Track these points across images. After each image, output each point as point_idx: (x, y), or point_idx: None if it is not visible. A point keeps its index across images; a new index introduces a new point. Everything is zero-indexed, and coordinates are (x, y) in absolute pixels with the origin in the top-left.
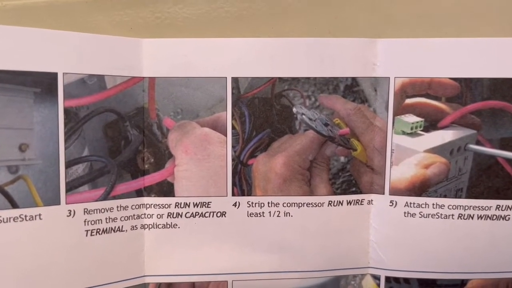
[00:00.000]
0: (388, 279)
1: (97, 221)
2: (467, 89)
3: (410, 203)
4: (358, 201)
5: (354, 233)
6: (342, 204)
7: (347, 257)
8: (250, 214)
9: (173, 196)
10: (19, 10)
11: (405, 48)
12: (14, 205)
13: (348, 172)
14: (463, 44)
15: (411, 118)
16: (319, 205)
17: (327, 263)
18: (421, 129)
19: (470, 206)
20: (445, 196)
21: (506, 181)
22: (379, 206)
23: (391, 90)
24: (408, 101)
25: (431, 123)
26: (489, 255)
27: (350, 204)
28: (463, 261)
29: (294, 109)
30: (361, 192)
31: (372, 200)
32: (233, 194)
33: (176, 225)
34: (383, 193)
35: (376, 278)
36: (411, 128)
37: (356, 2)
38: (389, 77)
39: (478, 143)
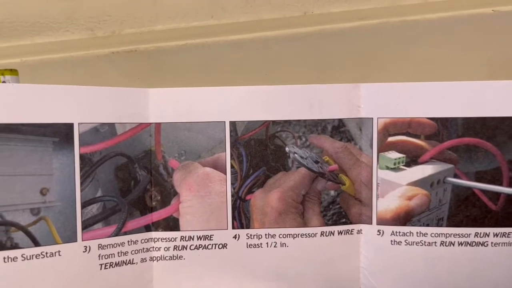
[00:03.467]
0: None
1: (110, 255)
2: (443, 127)
3: (396, 232)
4: (348, 231)
5: (345, 261)
6: (333, 234)
7: (340, 284)
8: (249, 246)
9: (179, 230)
10: (37, 65)
11: (387, 92)
12: (36, 244)
13: (338, 205)
14: (439, 88)
15: (394, 155)
16: (312, 235)
17: None
18: (403, 164)
19: (451, 234)
20: (427, 225)
21: (482, 210)
22: (367, 235)
23: (375, 130)
24: (391, 139)
25: (412, 159)
26: (472, 282)
27: (341, 234)
28: (447, 287)
29: (287, 149)
30: (350, 223)
31: (361, 230)
32: (233, 227)
33: (182, 257)
34: (371, 223)
35: None
36: (394, 164)
37: (342, 50)
38: (372, 118)
39: (455, 176)
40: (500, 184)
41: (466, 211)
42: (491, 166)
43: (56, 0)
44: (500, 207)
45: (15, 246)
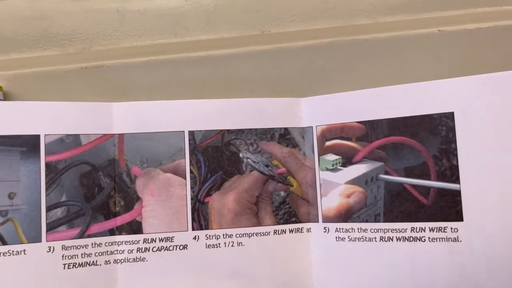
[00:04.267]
0: None
1: (74, 256)
2: (371, 129)
3: (340, 229)
4: (298, 229)
5: (298, 258)
6: (285, 232)
7: (294, 281)
8: (208, 246)
9: (142, 233)
10: (11, 79)
11: (323, 103)
12: (3, 242)
13: (288, 205)
14: (364, 94)
15: (332, 157)
16: (266, 234)
17: (276, 286)
18: (340, 165)
19: (389, 229)
20: (366, 221)
21: (415, 205)
22: (315, 233)
23: (315, 136)
24: (328, 143)
25: (348, 159)
26: (414, 276)
27: (292, 232)
28: (390, 282)
29: (241, 154)
30: (300, 221)
31: (310, 228)
32: (193, 229)
33: (145, 259)
34: (318, 221)
35: None
36: (332, 165)
37: (296, 66)
38: (312, 126)
39: (386, 173)
40: (428, 179)
41: (400, 206)
42: (418, 161)
43: (30, 18)
44: (431, 201)
45: None
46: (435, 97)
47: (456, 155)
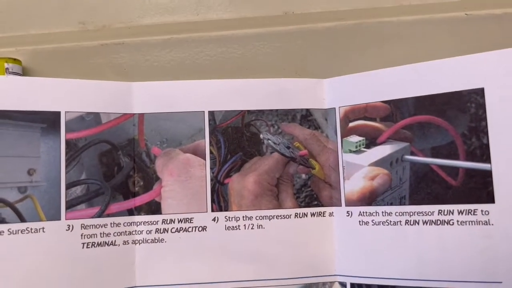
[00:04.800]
0: (353, 286)
1: (93, 235)
2: (396, 109)
3: (363, 212)
4: (320, 213)
5: (320, 243)
6: (306, 216)
7: (316, 266)
8: (227, 228)
9: (160, 213)
10: (31, 54)
11: (345, 83)
12: (22, 220)
13: (309, 188)
14: (388, 73)
15: (355, 138)
16: (287, 217)
17: (297, 271)
18: (364, 146)
19: (414, 212)
20: (391, 204)
21: (442, 186)
22: (338, 217)
23: (338, 118)
24: (351, 124)
25: (371, 141)
26: (440, 261)
27: (314, 216)
28: (417, 267)
29: (261, 136)
30: (322, 205)
31: (332, 212)
32: (212, 210)
33: (163, 240)
34: (341, 205)
35: (343, 285)
36: (356, 147)
37: (319, 47)
38: (335, 108)
39: (412, 153)
40: (457, 158)
41: (427, 188)
42: (445, 141)
43: None
44: (460, 182)
45: (2, 221)
46: (464, 73)
47: (486, 133)
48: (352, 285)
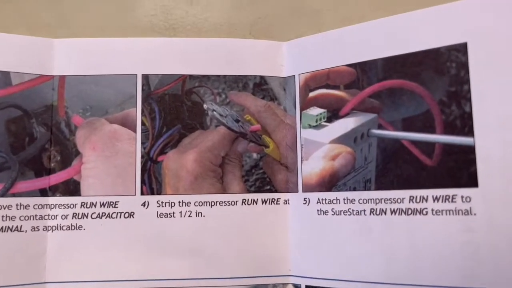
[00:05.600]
0: None
1: None
2: (363, 73)
3: (322, 200)
4: (273, 200)
5: (272, 236)
6: (256, 203)
7: (267, 263)
8: (159, 215)
9: (79, 195)
10: None
11: (306, 46)
12: None
13: (261, 169)
14: (350, 31)
15: (315, 111)
16: (233, 203)
17: (244, 270)
18: (325, 120)
19: (381, 199)
20: (354, 189)
21: (415, 166)
22: (294, 206)
23: (297, 87)
24: (311, 94)
25: (333, 113)
26: (411, 261)
27: (266, 203)
28: (384, 268)
29: (205, 106)
30: (276, 191)
31: (288, 200)
32: (141, 193)
33: (82, 227)
34: (297, 191)
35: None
36: (316, 121)
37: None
38: (294, 75)
39: (380, 127)
40: (433, 132)
41: (396, 169)
42: (419, 110)
43: None
44: (436, 161)
45: None
46: (442, 26)
47: (469, 100)
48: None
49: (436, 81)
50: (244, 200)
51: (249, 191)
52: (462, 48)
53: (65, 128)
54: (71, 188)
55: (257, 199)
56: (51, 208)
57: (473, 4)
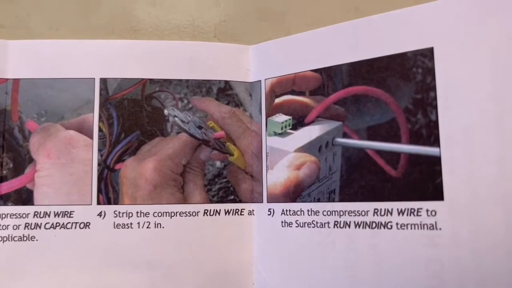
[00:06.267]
0: None
1: None
2: (328, 78)
3: (286, 211)
4: (237, 210)
5: (235, 249)
6: (219, 214)
7: (229, 277)
8: (116, 226)
9: (32, 204)
10: None
11: (272, 50)
12: None
13: (225, 178)
14: (315, 35)
15: (281, 118)
16: (194, 214)
17: (205, 284)
18: (290, 127)
19: (345, 211)
20: (318, 200)
21: (380, 177)
22: (259, 217)
23: (263, 92)
24: (277, 100)
25: (299, 120)
26: (376, 279)
27: (229, 214)
28: (346, 285)
29: (166, 111)
30: (240, 201)
31: (253, 210)
32: (98, 203)
33: (34, 238)
34: (262, 201)
35: None
36: (281, 128)
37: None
38: (260, 80)
39: (345, 135)
40: (398, 141)
41: (361, 179)
42: (385, 118)
43: None
44: (401, 172)
45: None
46: (408, 29)
47: (435, 107)
48: None
49: (402, 87)
50: (206, 211)
51: (211, 201)
52: (428, 53)
53: (19, 134)
54: (24, 196)
55: (220, 210)
56: (2, 218)
57: (440, 7)
